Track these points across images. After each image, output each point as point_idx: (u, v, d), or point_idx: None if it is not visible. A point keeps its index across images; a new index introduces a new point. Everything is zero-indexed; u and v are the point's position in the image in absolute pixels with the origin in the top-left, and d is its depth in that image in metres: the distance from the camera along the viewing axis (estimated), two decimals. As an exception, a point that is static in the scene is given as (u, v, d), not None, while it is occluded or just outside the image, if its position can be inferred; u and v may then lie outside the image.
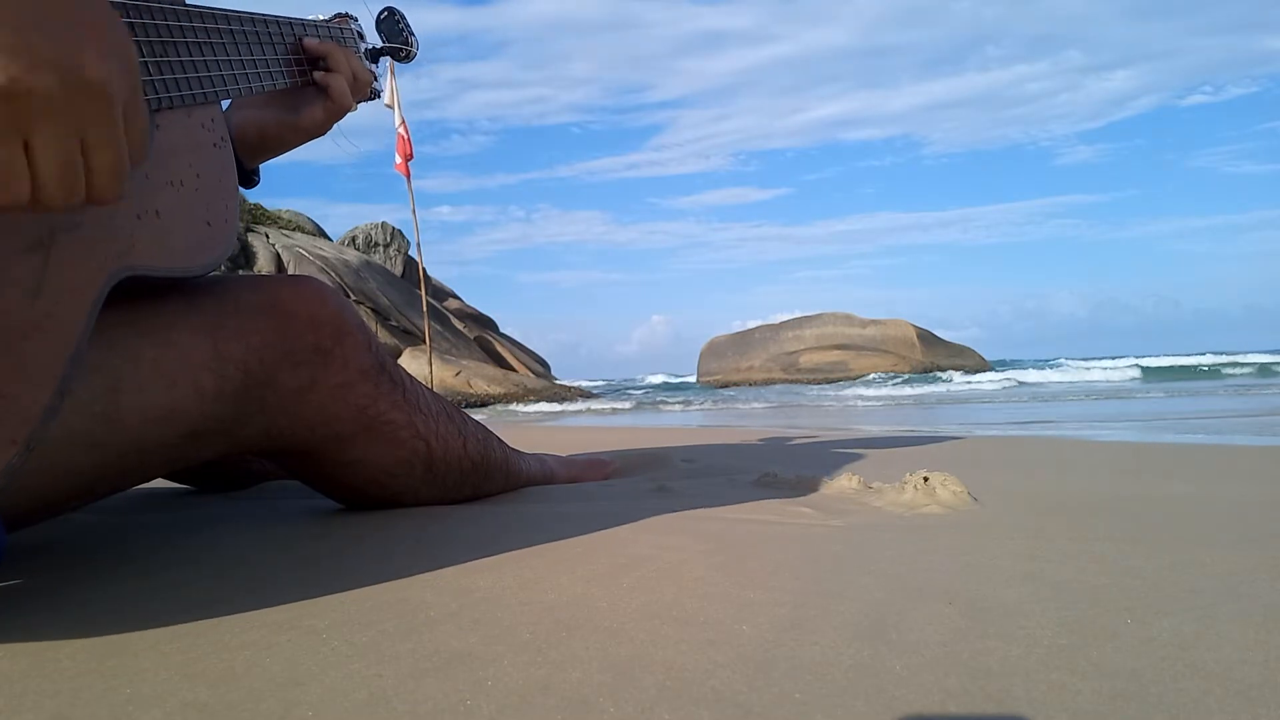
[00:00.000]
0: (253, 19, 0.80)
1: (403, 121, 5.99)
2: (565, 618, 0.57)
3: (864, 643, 0.52)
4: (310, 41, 0.92)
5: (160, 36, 0.64)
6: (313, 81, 0.93)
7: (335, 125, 0.97)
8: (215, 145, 0.74)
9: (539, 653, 0.51)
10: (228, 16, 0.76)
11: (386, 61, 1.11)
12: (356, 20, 1.04)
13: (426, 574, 0.69)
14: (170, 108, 0.67)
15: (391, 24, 1.07)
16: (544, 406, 10.13)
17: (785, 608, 0.59)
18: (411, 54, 1.10)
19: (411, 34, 1.09)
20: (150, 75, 0.63)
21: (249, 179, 0.96)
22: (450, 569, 0.70)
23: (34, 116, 0.42)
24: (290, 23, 0.90)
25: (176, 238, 0.67)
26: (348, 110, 0.96)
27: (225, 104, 0.86)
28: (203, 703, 0.44)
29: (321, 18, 0.98)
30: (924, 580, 0.66)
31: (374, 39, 1.07)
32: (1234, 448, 1.98)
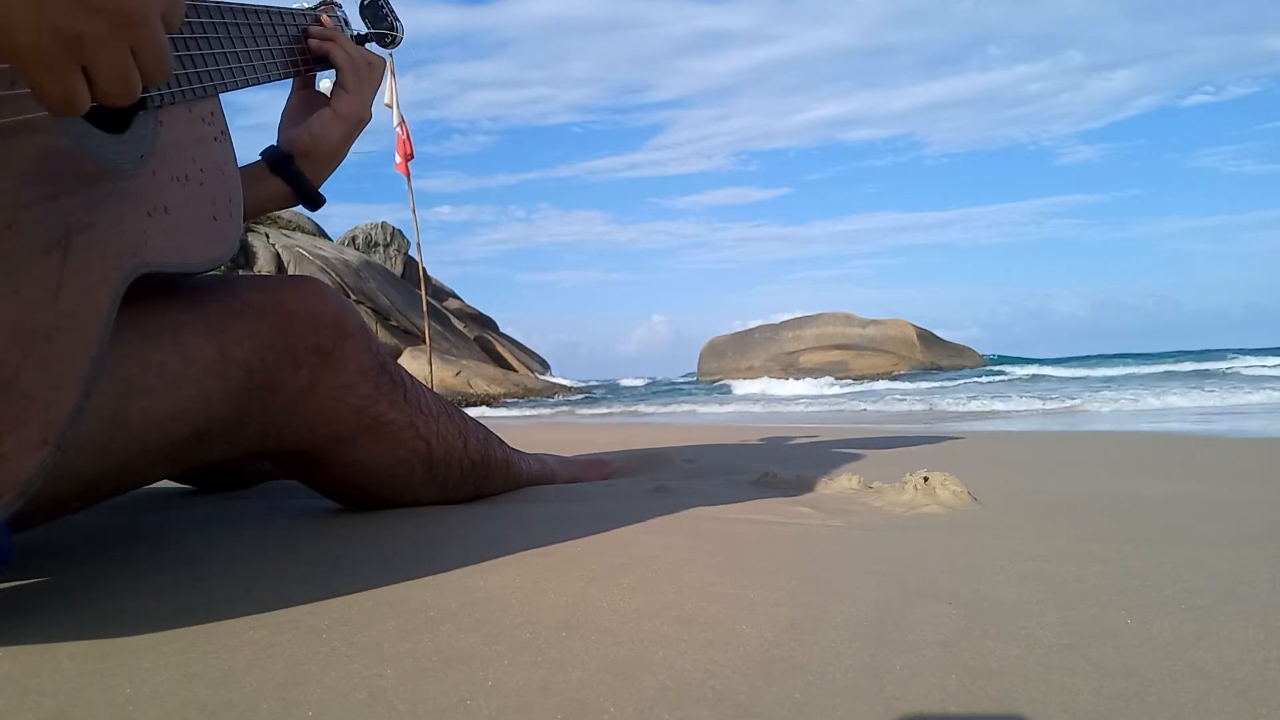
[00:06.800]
0: (245, 10, 0.80)
1: (402, 121, 5.98)
2: (565, 618, 0.57)
3: (864, 643, 0.52)
4: (313, 43, 0.93)
5: None
6: (312, 69, 0.94)
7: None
8: (216, 139, 0.74)
9: (539, 653, 0.51)
10: (221, 9, 0.75)
11: (387, 60, 1.11)
12: (340, 7, 1.03)
13: (427, 574, 0.69)
14: (172, 103, 0.67)
15: (375, 9, 1.06)
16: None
17: (785, 608, 0.59)
18: (397, 39, 1.09)
19: (396, 18, 1.08)
20: None
21: (315, 200, 0.95)
22: (451, 569, 0.70)
23: (87, 52, 0.46)
24: (286, 13, 0.90)
25: (185, 233, 0.66)
26: (364, 86, 0.96)
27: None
28: (203, 703, 0.44)
29: (306, 5, 0.97)
30: (924, 580, 0.66)
31: (358, 25, 1.06)
32: (1233, 443, 1.98)
